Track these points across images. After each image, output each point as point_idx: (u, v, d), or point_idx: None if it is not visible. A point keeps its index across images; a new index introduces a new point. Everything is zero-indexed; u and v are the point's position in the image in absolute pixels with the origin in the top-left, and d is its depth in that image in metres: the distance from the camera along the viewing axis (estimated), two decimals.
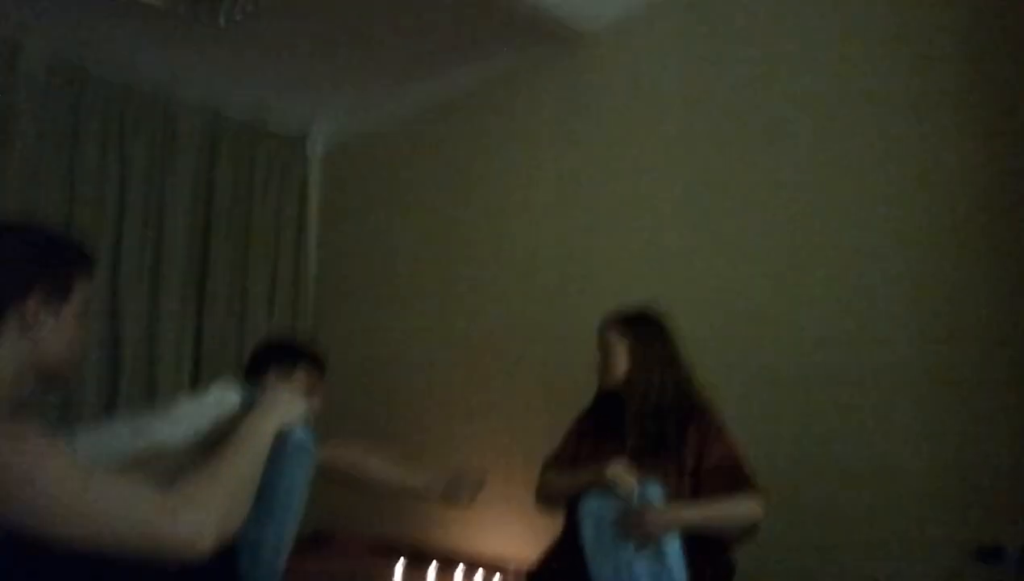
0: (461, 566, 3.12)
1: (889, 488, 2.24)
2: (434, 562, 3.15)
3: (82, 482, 1.07)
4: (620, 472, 1.91)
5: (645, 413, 2.00)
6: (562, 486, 2.09)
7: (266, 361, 2.21)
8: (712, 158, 2.80)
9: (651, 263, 2.92)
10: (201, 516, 1.09)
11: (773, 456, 2.23)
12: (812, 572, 2.31)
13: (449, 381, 3.63)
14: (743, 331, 2.60)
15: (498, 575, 3.01)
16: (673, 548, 1.85)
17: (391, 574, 2.99)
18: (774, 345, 2.53)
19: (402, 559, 2.88)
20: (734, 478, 1.95)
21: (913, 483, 2.21)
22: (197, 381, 3.80)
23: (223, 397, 1.83)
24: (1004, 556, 1.99)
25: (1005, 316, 2.11)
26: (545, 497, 2.16)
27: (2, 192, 3.27)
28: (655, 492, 1.89)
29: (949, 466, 2.16)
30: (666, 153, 2.95)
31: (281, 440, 1.34)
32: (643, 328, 2.07)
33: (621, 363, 2.04)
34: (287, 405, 1.36)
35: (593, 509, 1.92)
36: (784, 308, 2.53)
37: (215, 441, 1.40)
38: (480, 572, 3.04)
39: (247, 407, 1.42)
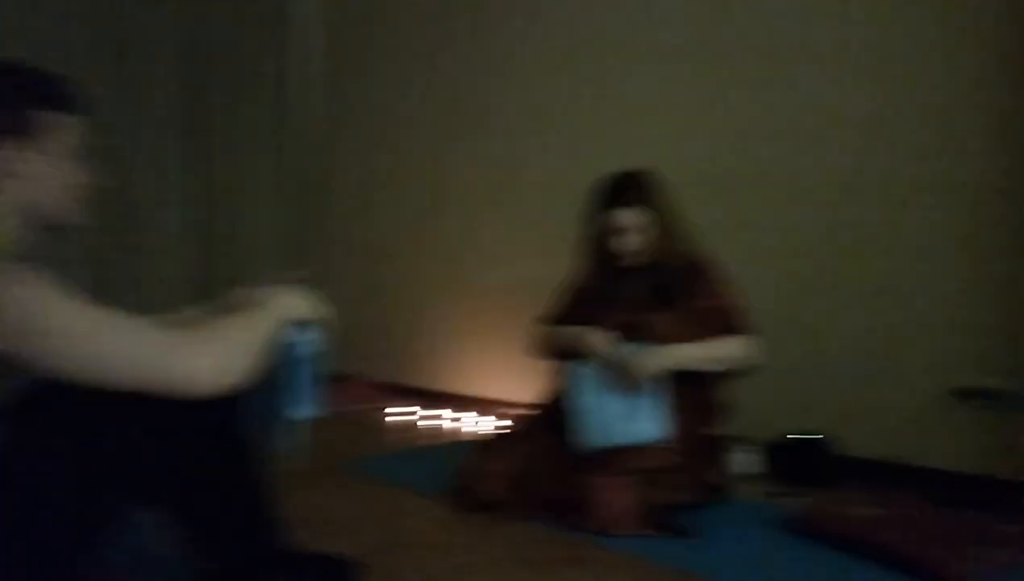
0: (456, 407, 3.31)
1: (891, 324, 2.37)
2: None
3: (92, 323, 1.09)
4: (599, 340, 1.98)
5: (660, 268, 2.03)
6: (556, 341, 2.14)
7: None
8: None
9: (660, 118, 2.89)
10: (199, 357, 1.13)
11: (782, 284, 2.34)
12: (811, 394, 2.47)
13: (447, 230, 3.70)
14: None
15: (493, 417, 3.20)
16: (654, 395, 1.92)
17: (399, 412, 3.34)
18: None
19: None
20: (730, 321, 2.02)
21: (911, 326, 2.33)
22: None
23: None
24: (988, 395, 2.16)
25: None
26: (539, 349, 2.21)
27: None
28: (639, 347, 1.96)
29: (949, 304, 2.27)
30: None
31: (287, 349, 1.32)
32: (655, 200, 2.04)
33: (648, 241, 2.02)
34: (288, 301, 1.31)
35: (582, 370, 1.99)
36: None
37: None
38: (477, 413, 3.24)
39: None
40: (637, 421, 1.92)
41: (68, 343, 1.07)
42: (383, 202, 4.03)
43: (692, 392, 1.99)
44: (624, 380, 1.93)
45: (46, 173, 1.20)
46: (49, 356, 1.07)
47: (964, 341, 2.23)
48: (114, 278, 3.56)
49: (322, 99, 4.23)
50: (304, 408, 1.35)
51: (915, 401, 2.30)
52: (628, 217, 2.02)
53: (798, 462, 2.34)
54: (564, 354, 2.11)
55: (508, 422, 2.97)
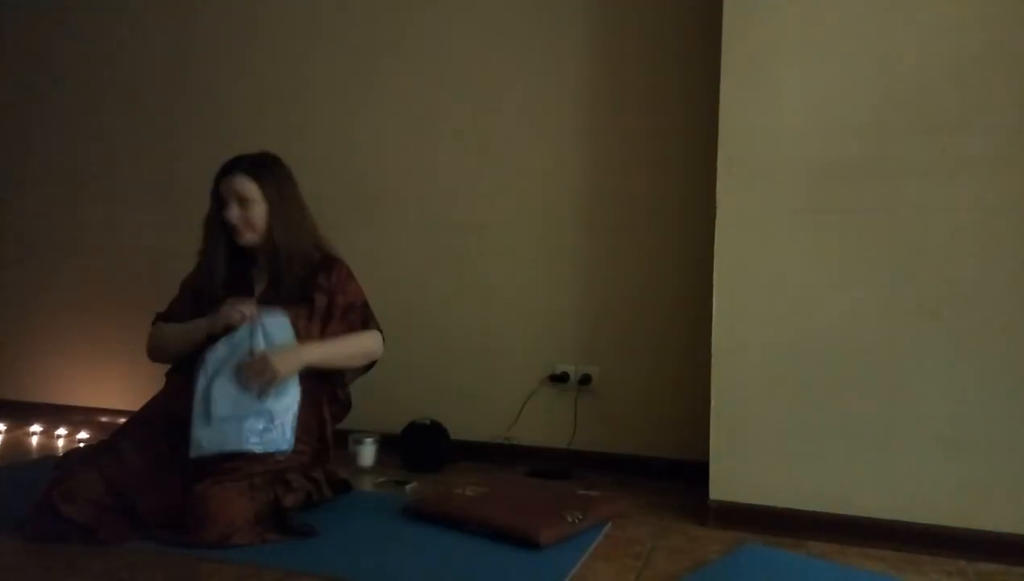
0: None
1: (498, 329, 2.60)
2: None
3: None
4: (237, 306, 1.85)
5: (289, 266, 1.95)
6: (176, 335, 1.94)
7: None
8: None
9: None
10: None
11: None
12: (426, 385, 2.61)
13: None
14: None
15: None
16: (286, 398, 1.84)
17: None
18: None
19: None
20: (360, 317, 2.03)
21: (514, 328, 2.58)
22: None
23: None
24: (568, 379, 2.49)
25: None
26: (155, 349, 1.99)
27: None
28: (280, 324, 1.87)
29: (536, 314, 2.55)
30: None
31: None
32: (276, 178, 1.96)
33: (261, 218, 1.92)
34: None
35: (214, 358, 1.82)
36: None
37: None
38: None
39: None
40: (266, 428, 1.80)
41: None
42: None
43: (316, 388, 1.96)
44: (256, 378, 1.80)
45: None
46: None
47: (563, 336, 2.53)
48: None
49: None
50: None
51: (513, 387, 2.56)
52: (240, 184, 1.92)
53: (415, 450, 2.44)
54: (179, 355, 1.93)
55: (95, 434, 2.65)
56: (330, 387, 2.03)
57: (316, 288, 1.99)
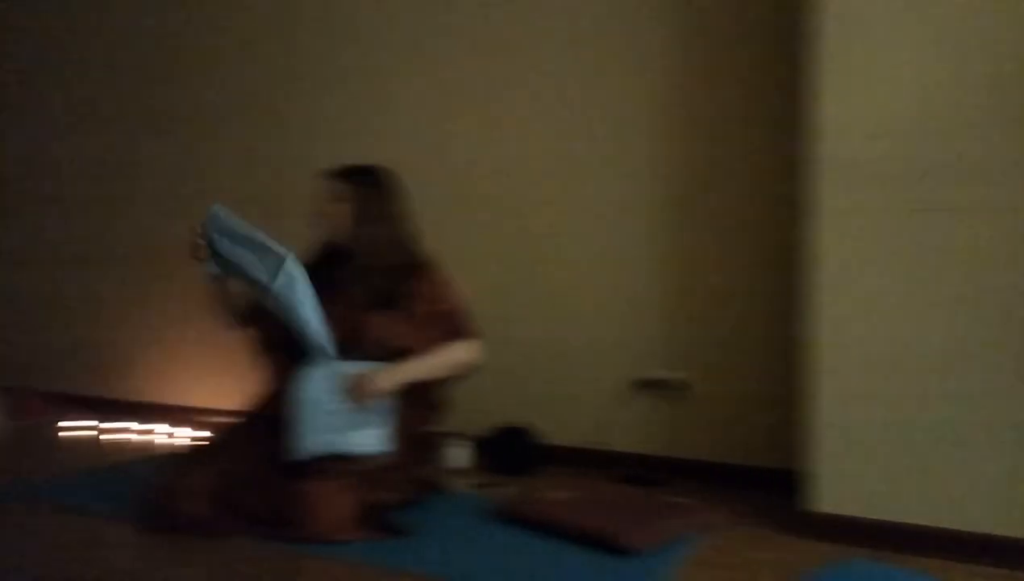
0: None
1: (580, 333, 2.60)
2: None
3: None
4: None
5: (373, 268, 2.00)
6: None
7: None
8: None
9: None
10: None
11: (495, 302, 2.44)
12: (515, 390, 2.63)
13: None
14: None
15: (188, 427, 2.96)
16: (383, 402, 1.91)
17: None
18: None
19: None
20: (455, 324, 2.05)
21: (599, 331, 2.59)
22: None
23: None
24: (657, 383, 2.47)
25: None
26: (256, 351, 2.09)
27: None
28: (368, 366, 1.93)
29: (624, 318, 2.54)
30: None
31: None
32: (368, 183, 2.04)
33: (346, 216, 2.01)
34: None
35: (312, 375, 1.89)
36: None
37: None
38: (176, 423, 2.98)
39: None
40: (361, 433, 1.88)
41: None
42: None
43: (411, 392, 2.00)
44: (357, 391, 1.88)
45: None
46: None
47: (648, 341, 2.52)
48: None
49: None
50: None
51: (608, 393, 2.55)
52: (332, 184, 2.02)
53: (505, 453, 2.47)
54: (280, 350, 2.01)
55: (207, 432, 2.78)
56: (426, 391, 2.06)
57: (410, 294, 2.03)
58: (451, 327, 2.04)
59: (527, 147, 2.67)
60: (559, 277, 2.63)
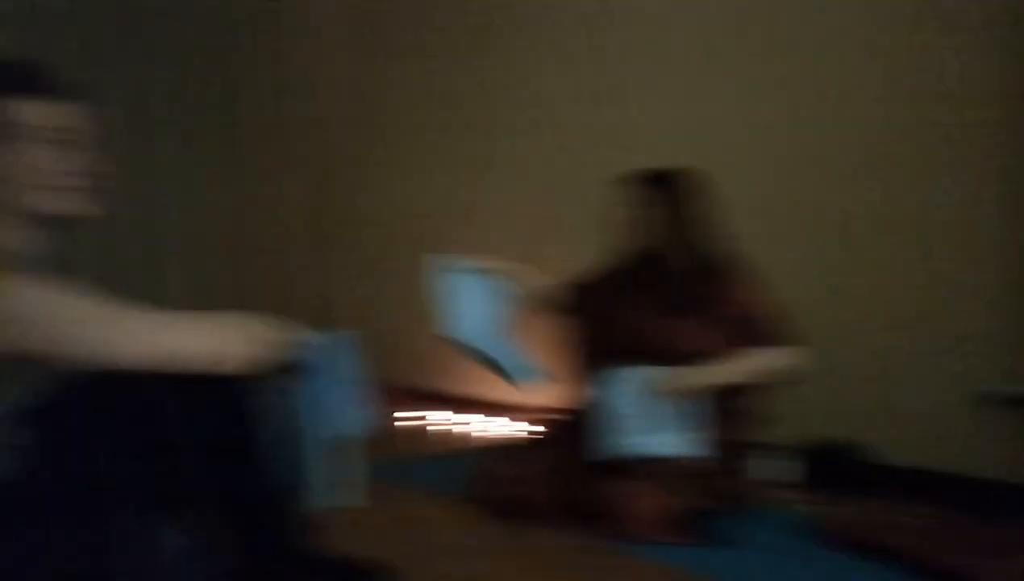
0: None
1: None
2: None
3: (100, 310, 1.05)
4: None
5: (679, 273, 1.99)
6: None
7: None
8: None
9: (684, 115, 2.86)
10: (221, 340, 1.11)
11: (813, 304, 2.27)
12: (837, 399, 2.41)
13: (463, 232, 3.56)
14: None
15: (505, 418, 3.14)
16: (691, 407, 1.87)
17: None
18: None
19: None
20: (765, 330, 1.95)
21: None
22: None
23: None
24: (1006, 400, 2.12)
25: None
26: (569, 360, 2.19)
27: None
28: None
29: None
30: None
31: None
32: (676, 187, 2.01)
33: (652, 222, 2.00)
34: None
35: (623, 378, 1.91)
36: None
37: None
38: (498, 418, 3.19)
39: None
40: (672, 435, 1.86)
41: (80, 330, 1.04)
42: (386, 204, 3.97)
43: (721, 398, 1.93)
44: (659, 396, 1.87)
45: (29, 166, 1.14)
46: (64, 346, 1.03)
47: (990, 346, 2.19)
48: (123, 283, 3.52)
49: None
50: (346, 427, 1.28)
51: (941, 406, 2.26)
52: (635, 189, 2.01)
53: (832, 469, 2.27)
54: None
55: (527, 426, 2.94)
56: (738, 397, 1.98)
57: (716, 298, 1.97)
58: (760, 332, 1.94)
59: (840, 145, 2.46)
60: (892, 278, 2.36)
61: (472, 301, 2.01)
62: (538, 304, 2.18)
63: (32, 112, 1.14)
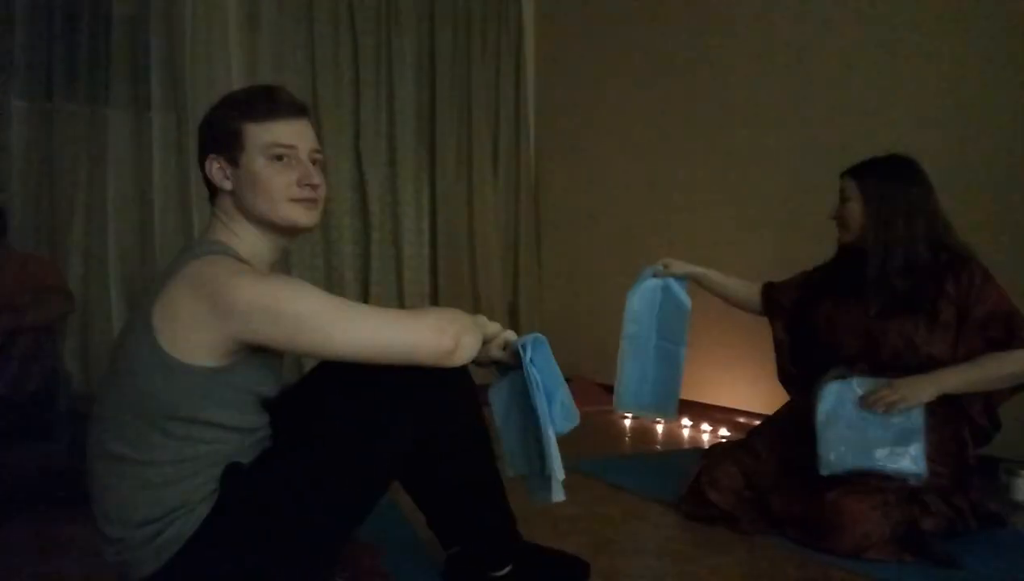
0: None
1: None
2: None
3: (338, 303, 1.19)
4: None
5: (890, 270, 1.83)
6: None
7: None
8: None
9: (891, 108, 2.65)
10: (453, 334, 1.23)
11: None
12: None
13: (670, 227, 3.59)
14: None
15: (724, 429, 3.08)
16: (911, 420, 1.72)
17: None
18: None
19: None
20: (1005, 330, 1.76)
21: None
22: (435, 249, 4.14)
23: None
24: None
25: None
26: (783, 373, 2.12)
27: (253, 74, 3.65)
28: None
29: None
30: None
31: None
32: (882, 178, 1.86)
33: (857, 216, 1.88)
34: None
35: (835, 388, 1.80)
36: None
37: None
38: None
39: None
40: (892, 449, 1.72)
41: (317, 323, 1.15)
42: (599, 203, 4.03)
43: (953, 407, 1.78)
44: (881, 403, 1.74)
45: (245, 178, 1.25)
46: (302, 337, 1.15)
47: None
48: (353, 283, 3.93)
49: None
50: (560, 422, 1.34)
51: None
52: (843, 182, 1.92)
53: None
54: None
55: (736, 432, 2.88)
56: (970, 406, 1.81)
57: (942, 296, 1.80)
58: (998, 332, 1.76)
59: None
60: None
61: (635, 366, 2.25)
62: (744, 306, 2.21)
63: (256, 130, 1.25)
